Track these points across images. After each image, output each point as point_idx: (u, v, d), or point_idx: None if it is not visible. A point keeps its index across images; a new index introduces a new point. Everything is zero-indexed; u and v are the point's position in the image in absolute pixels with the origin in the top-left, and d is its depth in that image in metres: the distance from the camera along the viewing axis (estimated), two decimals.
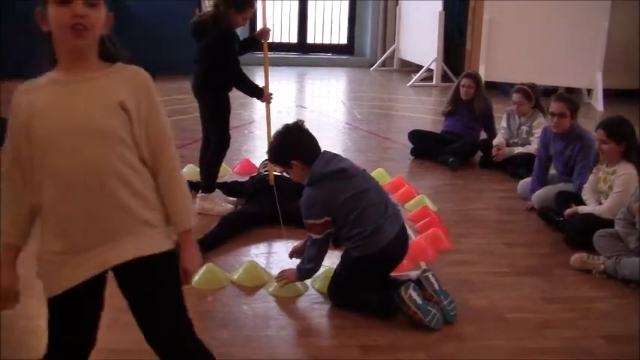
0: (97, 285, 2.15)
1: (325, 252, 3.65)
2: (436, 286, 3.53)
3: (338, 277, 3.67)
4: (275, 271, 3.89)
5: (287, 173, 3.87)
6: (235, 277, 3.92)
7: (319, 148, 3.67)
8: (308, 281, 3.84)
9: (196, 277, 3.77)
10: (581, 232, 4.48)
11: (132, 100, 2.05)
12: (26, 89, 2.07)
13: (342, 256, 3.70)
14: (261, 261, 4.21)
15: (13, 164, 2.08)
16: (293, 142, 3.64)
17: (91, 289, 2.12)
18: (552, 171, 5.48)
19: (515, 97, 6.32)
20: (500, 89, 10.29)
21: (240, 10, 4.77)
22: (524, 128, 6.37)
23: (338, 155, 3.73)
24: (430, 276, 3.57)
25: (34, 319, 3.37)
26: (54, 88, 2.04)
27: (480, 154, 6.67)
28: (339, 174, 3.57)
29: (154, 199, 2.13)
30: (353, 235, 3.54)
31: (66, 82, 2.03)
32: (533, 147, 6.15)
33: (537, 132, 6.19)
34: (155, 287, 2.15)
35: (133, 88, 2.07)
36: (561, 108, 5.17)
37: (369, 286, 3.58)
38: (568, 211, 4.73)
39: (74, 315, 2.15)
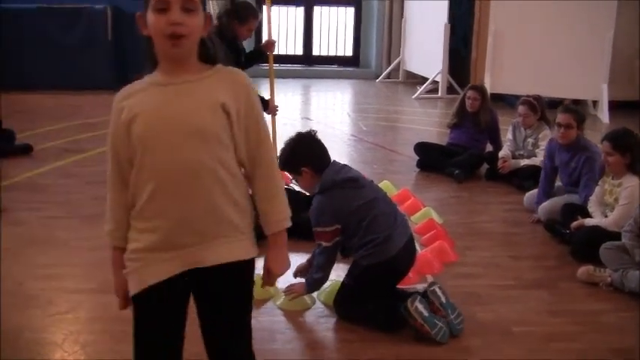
0: (183, 288, 2.14)
1: (333, 261, 3.66)
2: (443, 299, 3.53)
3: (345, 289, 3.67)
4: (282, 285, 3.89)
5: (296, 181, 3.89)
6: None
7: (330, 158, 3.70)
8: (314, 294, 3.85)
9: None
10: (587, 245, 4.47)
11: (232, 102, 2.06)
12: (126, 94, 2.10)
13: (350, 267, 3.70)
14: None
15: (114, 169, 2.13)
16: (305, 149, 3.67)
17: (177, 291, 2.13)
18: (558, 182, 5.47)
19: (520, 109, 6.32)
20: (506, 101, 10.29)
21: (244, 22, 4.79)
22: (530, 140, 6.37)
23: (347, 165, 3.77)
24: (437, 289, 3.57)
25: (38, 331, 3.40)
26: (155, 89, 2.07)
27: (485, 166, 6.67)
28: (349, 182, 3.60)
29: (244, 205, 2.14)
30: (365, 243, 3.55)
31: (167, 83, 2.06)
32: (539, 159, 6.15)
33: (543, 144, 6.19)
34: (233, 294, 2.16)
35: (233, 90, 2.09)
36: (568, 119, 5.18)
37: (376, 297, 3.58)
38: (574, 223, 4.72)
39: (160, 313, 2.14)
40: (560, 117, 5.22)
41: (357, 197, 3.57)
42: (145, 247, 2.08)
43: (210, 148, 2.03)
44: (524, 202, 5.66)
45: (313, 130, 3.77)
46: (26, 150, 6.87)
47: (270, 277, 2.23)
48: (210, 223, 2.06)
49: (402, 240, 3.59)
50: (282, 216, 2.18)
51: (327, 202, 3.56)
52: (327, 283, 3.78)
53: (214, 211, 2.05)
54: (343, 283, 3.70)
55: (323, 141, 3.73)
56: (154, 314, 2.13)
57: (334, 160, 3.73)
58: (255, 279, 2.22)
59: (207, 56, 2.13)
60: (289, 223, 2.20)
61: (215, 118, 2.03)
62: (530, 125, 6.34)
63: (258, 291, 2.39)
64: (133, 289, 2.11)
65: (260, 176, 2.15)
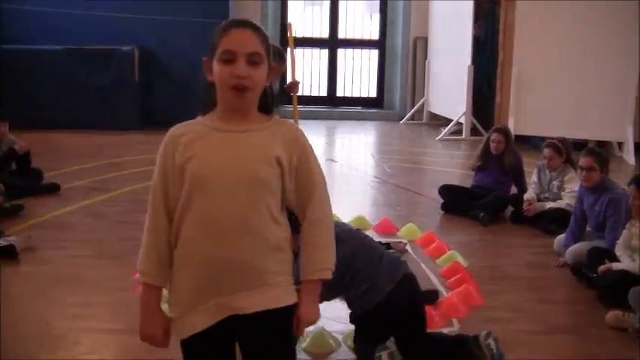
0: (228, 333, 2.15)
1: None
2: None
3: (356, 335, 3.64)
4: None
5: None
6: None
7: None
8: (340, 337, 3.83)
9: None
10: (615, 289, 4.42)
11: (286, 155, 2.10)
12: (182, 132, 2.12)
13: (350, 318, 3.66)
14: None
15: (160, 204, 2.12)
16: None
17: (223, 336, 2.13)
18: (589, 227, 5.42)
19: (546, 151, 6.31)
20: (531, 143, 10.28)
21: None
22: (556, 183, 6.35)
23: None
24: (491, 341, 3.54)
25: None
26: (214, 134, 2.10)
27: (510, 209, 6.64)
28: None
29: (288, 251, 2.16)
30: (351, 296, 3.52)
31: (226, 130, 2.09)
32: (564, 202, 6.13)
33: (569, 187, 6.17)
34: (277, 341, 2.16)
35: (288, 143, 2.12)
36: (590, 162, 5.16)
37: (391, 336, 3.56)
38: (601, 267, 4.68)
39: (209, 358, 2.15)
40: (582, 160, 5.20)
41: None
42: (190, 292, 2.09)
43: (261, 197, 2.06)
44: (554, 246, 5.59)
45: None
46: (54, 189, 6.94)
47: (300, 326, 2.20)
48: (253, 272, 2.07)
49: (389, 284, 3.48)
50: (326, 265, 2.18)
51: None
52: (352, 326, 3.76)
53: (258, 260, 2.07)
54: (355, 330, 3.66)
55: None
56: (203, 359, 2.15)
57: None
58: None
59: (265, 106, 2.17)
60: (327, 275, 2.19)
61: (270, 169, 2.07)
62: (555, 168, 6.32)
63: None
64: (181, 334, 2.12)
65: (307, 222, 2.16)
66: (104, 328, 3.96)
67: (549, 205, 6.27)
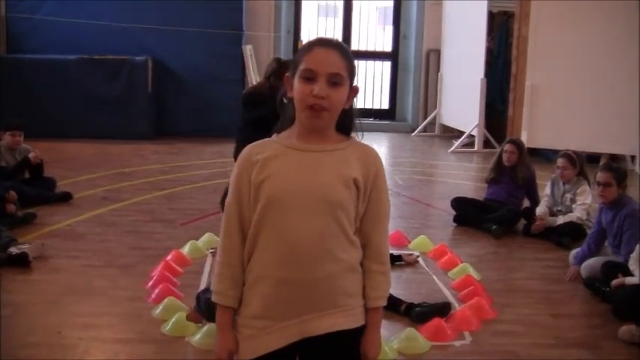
0: (293, 355, 2.13)
1: None
2: None
3: None
4: None
5: None
6: None
7: None
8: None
9: None
10: (629, 304, 4.39)
11: (361, 177, 2.09)
12: (257, 151, 2.10)
13: None
14: None
15: (236, 224, 2.10)
16: None
17: (287, 355, 2.11)
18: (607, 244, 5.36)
19: (560, 161, 6.28)
20: (542, 155, 10.24)
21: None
22: (569, 196, 6.31)
23: None
24: None
25: None
26: (292, 153, 2.08)
27: (523, 222, 6.60)
28: None
29: (360, 273, 2.14)
30: None
31: (304, 150, 2.08)
32: (575, 215, 6.10)
33: (581, 199, 6.14)
34: None
35: (365, 165, 2.11)
36: (607, 178, 5.12)
37: None
38: (615, 281, 4.65)
39: None
40: (600, 175, 5.17)
41: None
42: (261, 314, 2.07)
43: (337, 218, 2.05)
44: (570, 259, 5.50)
45: None
46: (66, 198, 6.96)
47: (370, 355, 2.16)
48: (328, 294, 2.06)
49: None
50: (380, 293, 2.17)
51: None
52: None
53: (334, 280, 2.06)
54: None
55: None
56: None
57: None
58: None
59: (342, 127, 2.15)
60: (384, 303, 2.18)
61: (347, 191, 2.06)
62: (568, 179, 6.28)
63: None
64: (246, 355, 2.09)
65: (370, 249, 2.15)
66: (115, 338, 3.96)
67: (560, 219, 6.23)
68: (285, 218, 2.02)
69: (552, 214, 6.38)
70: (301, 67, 2.04)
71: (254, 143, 2.14)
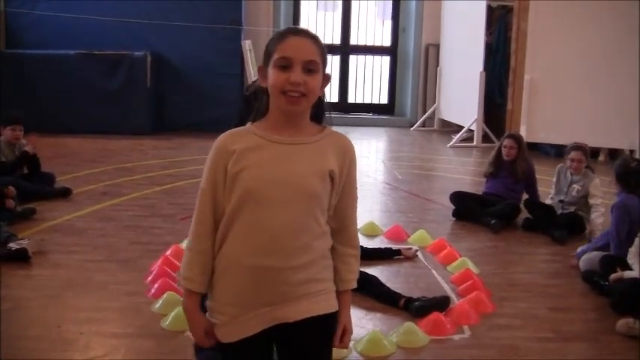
0: (269, 340, 2.15)
1: None
2: None
3: None
4: None
5: None
6: None
7: None
8: (351, 344, 3.83)
9: None
10: (627, 297, 4.40)
11: (337, 168, 2.12)
12: (233, 141, 2.10)
13: None
14: None
15: (208, 211, 2.11)
16: None
17: (264, 343, 2.14)
18: None
19: (575, 154, 6.24)
20: (540, 150, 10.25)
21: None
22: (576, 187, 6.28)
23: None
24: None
25: None
26: (269, 146, 2.09)
27: (521, 216, 6.61)
28: None
29: (330, 259, 2.18)
30: None
31: (281, 142, 2.09)
32: (597, 221, 6.05)
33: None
34: (318, 348, 2.18)
35: (341, 156, 2.14)
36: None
37: None
38: (613, 275, 4.66)
39: None
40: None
41: None
42: (234, 301, 2.09)
43: (312, 211, 2.08)
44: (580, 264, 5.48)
45: None
46: (65, 193, 6.96)
47: (346, 336, 2.22)
48: (303, 279, 2.09)
49: None
50: (352, 275, 2.23)
51: None
52: (365, 334, 3.76)
53: (308, 267, 2.09)
54: None
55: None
56: None
57: None
58: None
59: (318, 115, 2.18)
60: (355, 285, 2.24)
61: (322, 184, 2.09)
62: (580, 171, 6.29)
63: None
64: (222, 338, 2.12)
65: (341, 235, 2.20)
66: (115, 332, 3.97)
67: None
68: (262, 209, 2.04)
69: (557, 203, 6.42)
70: (275, 56, 2.05)
71: (230, 131, 2.15)
